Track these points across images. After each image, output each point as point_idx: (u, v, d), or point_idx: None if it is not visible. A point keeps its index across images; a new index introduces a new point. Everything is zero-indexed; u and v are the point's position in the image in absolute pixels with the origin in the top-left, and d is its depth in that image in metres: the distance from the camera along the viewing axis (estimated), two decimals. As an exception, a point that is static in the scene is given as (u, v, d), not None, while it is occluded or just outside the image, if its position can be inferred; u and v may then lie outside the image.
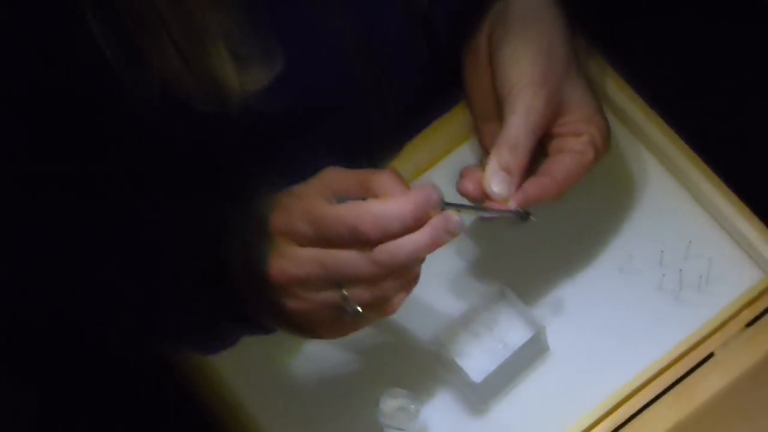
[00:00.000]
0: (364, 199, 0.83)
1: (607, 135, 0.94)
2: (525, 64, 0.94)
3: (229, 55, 0.83)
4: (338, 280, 0.80)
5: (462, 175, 0.91)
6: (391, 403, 0.93)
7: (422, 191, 0.80)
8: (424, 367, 0.99)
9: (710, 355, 0.94)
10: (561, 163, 0.91)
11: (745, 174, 1.01)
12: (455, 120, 1.08)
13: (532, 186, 0.89)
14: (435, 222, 0.79)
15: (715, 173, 1.02)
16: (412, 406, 0.93)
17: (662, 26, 1.25)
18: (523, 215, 0.89)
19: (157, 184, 0.95)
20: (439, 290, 1.01)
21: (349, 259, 0.79)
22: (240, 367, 0.98)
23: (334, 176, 0.83)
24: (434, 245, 0.79)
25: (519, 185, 0.89)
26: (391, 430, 0.94)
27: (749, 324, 0.94)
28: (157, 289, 0.90)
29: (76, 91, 0.86)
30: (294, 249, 0.81)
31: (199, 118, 0.87)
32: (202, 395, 1.02)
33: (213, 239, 0.86)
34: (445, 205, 0.81)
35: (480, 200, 0.90)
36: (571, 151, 0.92)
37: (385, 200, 0.80)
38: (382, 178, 0.82)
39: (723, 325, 0.95)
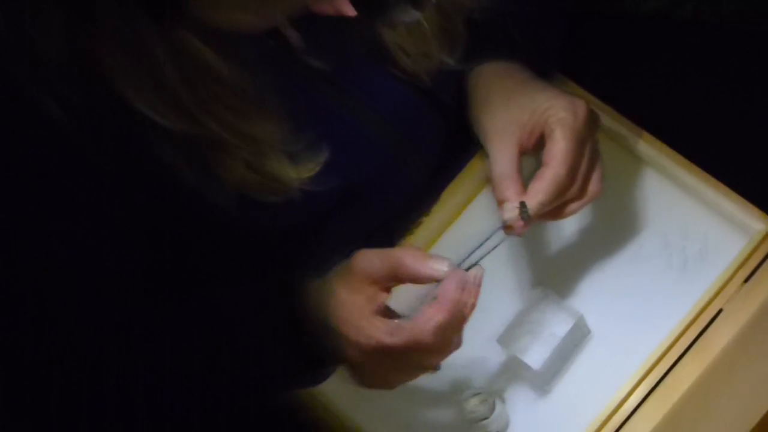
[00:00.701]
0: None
1: (579, 117, 0.94)
2: (496, 116, 0.98)
3: (284, 154, 0.87)
4: (413, 366, 0.88)
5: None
6: (473, 400, 0.99)
7: (451, 295, 0.84)
8: (494, 366, 1.04)
9: (719, 312, 0.99)
10: (549, 160, 0.93)
11: (720, 161, 1.05)
12: (470, 173, 1.12)
13: (535, 190, 0.92)
14: (468, 293, 0.85)
15: (696, 166, 1.06)
16: (490, 399, 0.99)
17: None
18: (526, 216, 0.91)
19: (235, 268, 0.97)
20: (493, 302, 1.04)
21: (420, 358, 0.87)
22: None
23: (367, 263, 0.87)
24: (474, 306, 0.86)
25: (522, 190, 0.93)
26: (475, 421, 1.00)
27: (746, 280, 1.00)
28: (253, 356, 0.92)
29: (169, 204, 0.88)
30: (369, 361, 0.87)
31: (264, 207, 0.89)
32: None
33: (288, 327, 0.90)
34: (466, 266, 0.87)
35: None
36: (549, 154, 0.93)
37: (431, 315, 0.84)
38: (408, 259, 0.86)
39: (725, 284, 1.00)
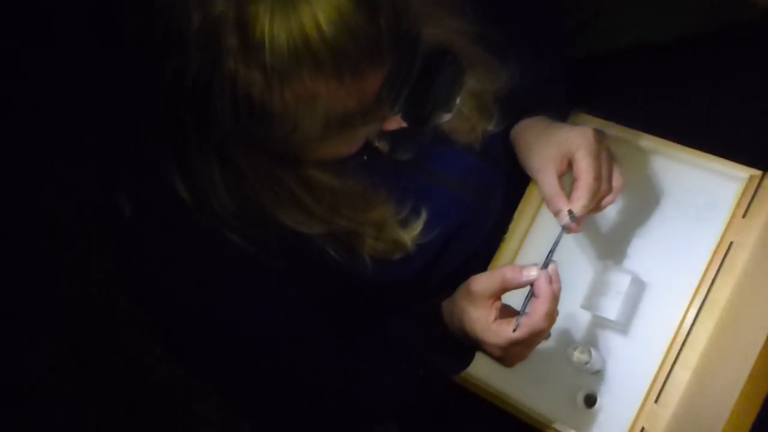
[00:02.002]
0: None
1: (591, 141, 0.92)
2: (534, 154, 0.98)
3: (397, 224, 0.88)
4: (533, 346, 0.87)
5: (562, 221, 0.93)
6: (575, 352, 1.01)
7: (546, 290, 0.84)
8: (584, 324, 1.05)
9: (731, 244, 0.98)
10: (579, 176, 0.92)
11: (706, 139, 1.04)
12: (529, 198, 1.12)
13: (576, 198, 0.91)
14: (554, 283, 0.85)
15: (687, 147, 1.05)
16: (587, 348, 1.01)
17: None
18: (575, 219, 0.91)
19: (381, 310, 0.96)
20: (571, 279, 1.02)
21: (532, 340, 0.86)
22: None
23: (482, 285, 0.86)
24: (558, 294, 0.85)
25: (567, 201, 0.92)
26: (581, 366, 1.00)
27: (744, 215, 0.99)
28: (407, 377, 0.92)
29: (329, 278, 0.89)
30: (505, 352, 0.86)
31: (392, 263, 0.90)
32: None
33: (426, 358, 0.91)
34: (543, 266, 0.86)
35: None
36: (578, 171, 0.92)
37: (537, 308, 0.84)
38: (509, 273, 0.85)
39: (730, 222, 0.99)
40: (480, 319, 0.85)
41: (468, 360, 0.94)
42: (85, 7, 0.76)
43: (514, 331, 0.84)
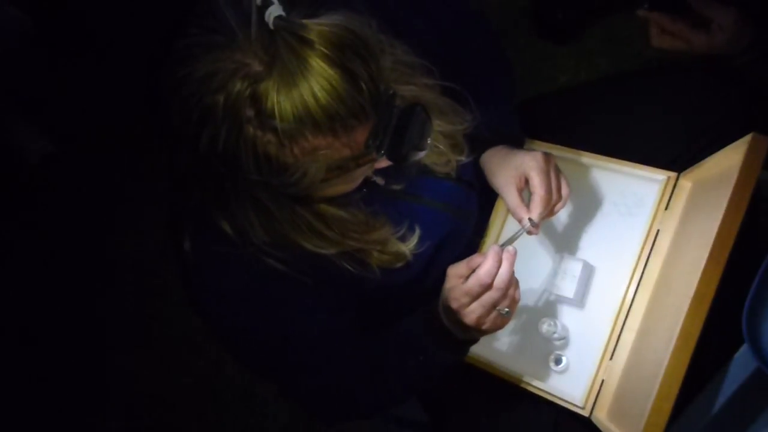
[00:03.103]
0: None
1: (540, 162, 0.90)
2: (499, 176, 0.96)
3: (397, 239, 0.88)
4: (492, 305, 0.82)
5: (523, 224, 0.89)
6: (544, 325, 1.00)
7: (493, 254, 0.81)
8: (549, 302, 1.02)
9: (658, 231, 0.98)
10: (534, 190, 0.90)
11: (629, 152, 1.03)
12: (498, 209, 1.09)
13: (533, 208, 0.89)
14: (506, 256, 0.81)
15: (616, 158, 1.04)
16: (553, 320, 1.00)
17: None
18: (534, 224, 0.89)
19: (389, 310, 0.94)
20: (536, 269, 1.03)
21: (489, 295, 0.81)
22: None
23: (455, 271, 0.83)
24: (512, 263, 0.81)
25: (527, 211, 0.90)
26: (549, 335, 0.98)
27: (666, 208, 0.98)
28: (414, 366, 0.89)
29: (347, 286, 0.87)
30: (467, 309, 0.82)
31: (395, 270, 0.89)
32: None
33: (424, 347, 0.87)
34: (502, 245, 0.82)
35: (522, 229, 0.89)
36: (533, 187, 0.90)
37: (482, 265, 0.81)
38: (475, 258, 0.83)
39: (655, 214, 0.98)
40: (451, 289, 0.83)
41: (461, 348, 0.91)
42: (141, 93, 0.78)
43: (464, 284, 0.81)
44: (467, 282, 0.81)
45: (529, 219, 0.89)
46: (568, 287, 0.98)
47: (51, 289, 1.80)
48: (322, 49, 0.64)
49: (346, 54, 0.65)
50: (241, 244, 0.78)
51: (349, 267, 0.85)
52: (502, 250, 0.81)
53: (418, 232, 0.89)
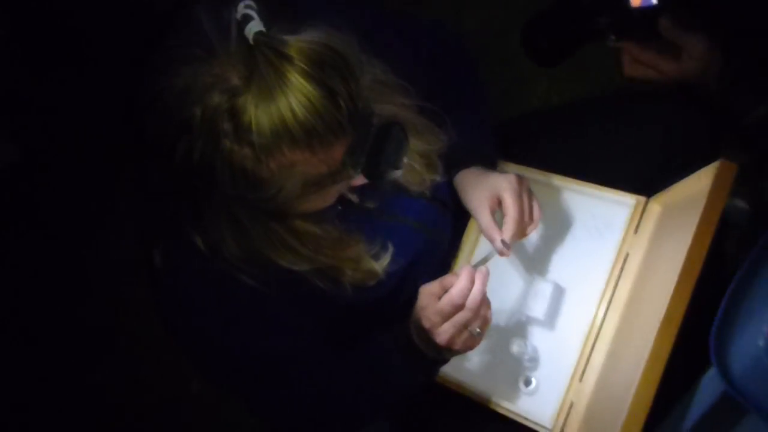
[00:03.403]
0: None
1: (513, 183, 0.90)
2: (472, 196, 0.96)
3: (370, 257, 0.86)
4: (463, 325, 0.82)
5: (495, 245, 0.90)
6: (514, 345, 1.00)
7: (465, 274, 0.81)
8: (518, 323, 1.03)
9: (627, 254, 0.98)
10: (506, 212, 0.91)
11: (601, 176, 1.04)
12: (471, 229, 1.09)
13: (506, 229, 0.90)
14: (479, 277, 0.82)
15: (588, 182, 1.04)
16: (523, 341, 1.00)
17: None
18: (506, 245, 0.90)
19: (361, 327, 0.93)
20: (508, 290, 1.04)
21: (461, 315, 0.82)
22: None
23: (427, 290, 0.84)
24: (484, 284, 0.82)
25: (500, 232, 0.90)
26: (519, 356, 0.98)
27: (636, 231, 0.98)
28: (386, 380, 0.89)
29: (318, 303, 0.87)
30: (439, 329, 0.83)
31: (367, 288, 0.88)
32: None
33: (398, 362, 0.87)
34: (474, 266, 0.83)
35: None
36: (505, 209, 0.91)
37: (455, 285, 0.81)
38: (448, 278, 0.84)
39: (625, 237, 0.99)
40: (423, 308, 0.83)
41: (432, 368, 0.91)
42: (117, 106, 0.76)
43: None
44: (440, 302, 0.81)
45: (502, 241, 0.89)
46: (538, 308, 0.98)
47: (12, 300, 1.76)
48: (302, 65, 0.65)
49: (325, 71, 0.65)
50: (213, 259, 0.78)
51: (322, 284, 0.85)
52: (475, 271, 0.81)
53: (391, 249, 0.89)
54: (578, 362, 0.95)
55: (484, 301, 0.81)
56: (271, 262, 0.80)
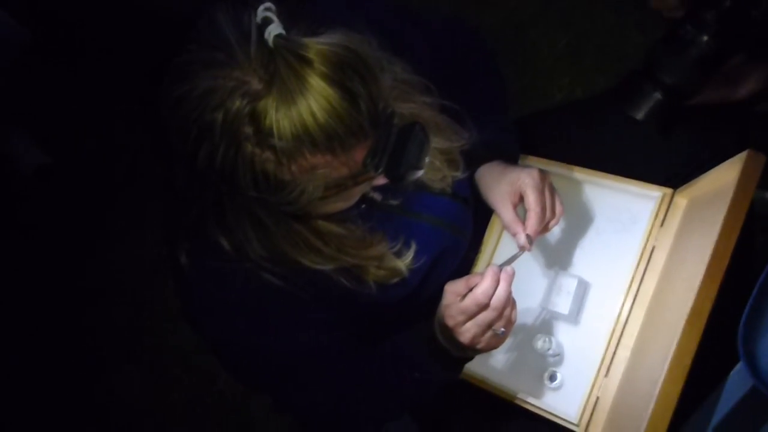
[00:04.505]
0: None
1: (536, 179, 0.90)
2: (494, 192, 0.95)
3: (393, 254, 0.87)
4: (488, 325, 0.81)
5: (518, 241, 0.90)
6: (539, 342, 1.00)
7: (491, 274, 0.80)
8: (543, 319, 1.03)
9: (653, 248, 0.97)
10: (529, 207, 0.90)
11: (624, 168, 1.03)
12: (494, 225, 1.09)
13: (529, 224, 0.89)
14: (504, 276, 0.80)
15: (611, 174, 1.04)
16: (548, 337, 1.00)
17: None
18: (529, 239, 0.89)
19: (386, 325, 0.92)
20: (530, 285, 1.03)
21: (485, 315, 0.80)
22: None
23: (452, 289, 0.82)
24: (509, 284, 0.80)
25: (523, 226, 0.89)
26: (544, 352, 0.98)
27: (662, 224, 0.98)
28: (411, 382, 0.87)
29: (344, 302, 0.87)
30: (462, 328, 0.81)
31: (391, 286, 0.88)
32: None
33: (424, 361, 0.86)
34: (500, 266, 0.82)
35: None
36: (528, 204, 0.90)
37: (480, 285, 0.80)
38: (474, 277, 0.82)
39: (651, 231, 0.98)
40: (448, 306, 0.82)
41: (456, 366, 0.90)
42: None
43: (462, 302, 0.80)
44: (464, 300, 0.80)
45: (527, 236, 0.89)
46: (562, 304, 0.98)
47: (43, 301, 1.79)
48: (322, 68, 0.65)
49: (345, 73, 0.66)
50: (238, 259, 0.78)
51: (346, 282, 0.85)
52: (500, 270, 0.81)
53: (414, 247, 0.89)
54: (603, 358, 0.95)
55: (509, 302, 0.81)
56: (295, 262, 0.80)
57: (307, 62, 0.65)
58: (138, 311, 1.78)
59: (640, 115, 0.98)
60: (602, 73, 1.51)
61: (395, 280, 0.89)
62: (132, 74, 1.30)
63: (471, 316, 0.81)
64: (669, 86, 0.97)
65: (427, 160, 0.75)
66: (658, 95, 0.98)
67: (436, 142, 0.87)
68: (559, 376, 0.97)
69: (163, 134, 0.72)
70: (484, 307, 0.80)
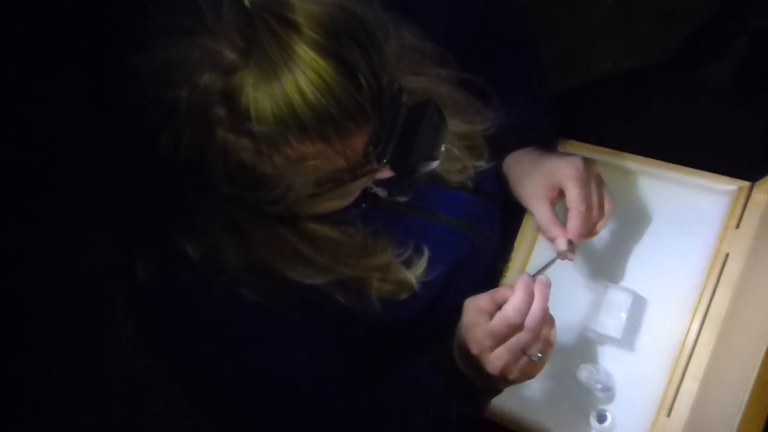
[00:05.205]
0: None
1: (579, 169, 0.90)
2: (526, 186, 0.96)
3: (401, 264, 0.88)
4: (521, 350, 0.81)
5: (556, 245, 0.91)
6: (584, 372, 0.99)
7: (522, 286, 0.80)
8: (590, 344, 1.03)
9: (727, 255, 0.97)
10: (571, 204, 0.90)
11: (690, 155, 1.02)
12: (527, 225, 1.08)
13: (571, 227, 0.90)
14: (539, 289, 0.81)
15: (673, 164, 1.03)
16: (595, 367, 0.99)
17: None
18: (572, 246, 0.90)
19: (393, 350, 0.96)
20: (573, 300, 1.04)
21: (519, 338, 0.81)
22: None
23: (475, 306, 0.83)
24: (546, 298, 0.81)
25: (563, 228, 0.90)
26: (591, 386, 0.97)
27: (737, 225, 0.97)
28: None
29: (340, 322, 0.88)
30: (490, 355, 0.82)
31: (399, 303, 0.89)
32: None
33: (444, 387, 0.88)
34: (533, 275, 0.83)
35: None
36: (569, 201, 0.90)
37: (510, 300, 0.80)
38: (501, 291, 0.83)
39: (724, 233, 0.98)
40: (471, 327, 0.82)
41: (481, 400, 0.91)
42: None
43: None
44: (491, 321, 0.81)
45: (569, 242, 0.90)
46: (614, 325, 0.98)
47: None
48: (312, 33, 0.65)
49: (341, 40, 0.66)
50: (209, 271, 0.79)
51: (343, 299, 0.86)
52: (534, 281, 0.81)
53: (427, 254, 0.90)
54: (665, 393, 0.95)
55: (546, 319, 0.81)
56: (279, 274, 0.81)
57: (293, 26, 0.65)
58: (90, 334, 1.77)
59: (716, 78, 0.96)
60: (660, 36, 1.48)
61: (404, 295, 0.90)
62: (74, 40, 1.29)
63: (501, 340, 0.81)
64: (761, 31, 0.94)
65: (443, 147, 0.76)
66: (742, 44, 0.94)
67: (455, 125, 0.88)
68: (609, 415, 0.98)
69: (116, 118, 0.73)
70: (517, 327, 0.80)
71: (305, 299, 0.84)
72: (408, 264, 0.89)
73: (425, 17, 0.85)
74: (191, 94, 0.66)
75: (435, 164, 0.76)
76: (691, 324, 0.96)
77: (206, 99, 0.66)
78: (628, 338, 1.00)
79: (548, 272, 0.84)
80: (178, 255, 0.79)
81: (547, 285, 0.81)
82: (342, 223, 0.84)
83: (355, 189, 0.79)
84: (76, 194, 1.80)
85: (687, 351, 0.95)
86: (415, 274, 0.89)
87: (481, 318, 0.82)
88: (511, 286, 0.82)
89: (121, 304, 1.64)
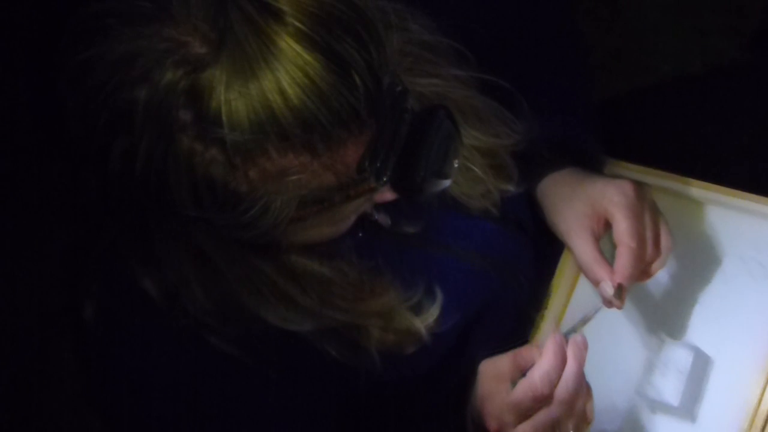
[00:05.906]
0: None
1: (630, 196, 0.91)
2: (565, 215, 0.97)
3: (408, 310, 0.88)
4: (551, 427, 0.81)
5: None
6: None
7: (553, 347, 0.81)
8: (639, 412, 1.02)
9: None
10: (620, 240, 0.90)
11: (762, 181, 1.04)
12: (566, 263, 1.08)
13: (619, 267, 0.90)
14: (572, 351, 0.81)
15: (743, 191, 1.04)
16: None
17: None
18: (618, 293, 0.89)
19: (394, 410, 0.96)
20: (622, 357, 1.03)
21: (547, 413, 0.81)
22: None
23: (493, 370, 0.84)
24: (581, 363, 0.82)
25: (609, 268, 0.90)
26: None
27: None
28: None
29: (330, 379, 0.89)
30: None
31: (404, 357, 0.89)
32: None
33: None
34: (566, 334, 0.83)
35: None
36: (618, 235, 0.91)
37: (538, 365, 0.81)
38: (525, 353, 0.84)
39: None
40: (489, 398, 0.84)
41: None
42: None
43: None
44: (514, 390, 0.81)
45: (619, 286, 0.90)
46: (671, 389, 0.99)
47: None
48: (296, 23, 0.65)
49: (332, 31, 0.66)
50: (170, 313, 0.80)
51: (334, 352, 0.86)
52: (567, 341, 0.82)
53: (440, 298, 0.90)
54: (735, 472, 0.94)
55: (582, 389, 0.82)
56: (256, 319, 0.81)
57: (274, 14, 0.65)
58: (22, 386, 1.78)
59: None
60: (729, 36, 1.50)
61: (411, 349, 0.90)
62: (9, 28, 1.31)
63: (525, 415, 0.81)
64: None
65: (456, 163, 0.77)
66: None
67: (473, 137, 0.89)
68: (665, 500, 0.97)
69: (58, 120, 0.74)
70: (545, 399, 0.80)
71: (287, 351, 0.85)
72: (417, 310, 0.89)
73: (441, 6, 0.87)
74: (151, 95, 0.67)
75: (446, 183, 0.76)
76: (765, 390, 0.97)
77: (169, 101, 0.67)
78: (688, 406, 1.00)
79: (591, 323, 0.85)
80: (132, 292, 0.80)
81: (584, 346, 0.82)
82: (333, 256, 0.84)
83: (349, 213, 0.80)
84: (8, 217, 1.81)
85: (761, 420, 0.95)
86: (425, 322, 0.89)
87: (501, 386, 0.83)
88: (539, 347, 0.82)
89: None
